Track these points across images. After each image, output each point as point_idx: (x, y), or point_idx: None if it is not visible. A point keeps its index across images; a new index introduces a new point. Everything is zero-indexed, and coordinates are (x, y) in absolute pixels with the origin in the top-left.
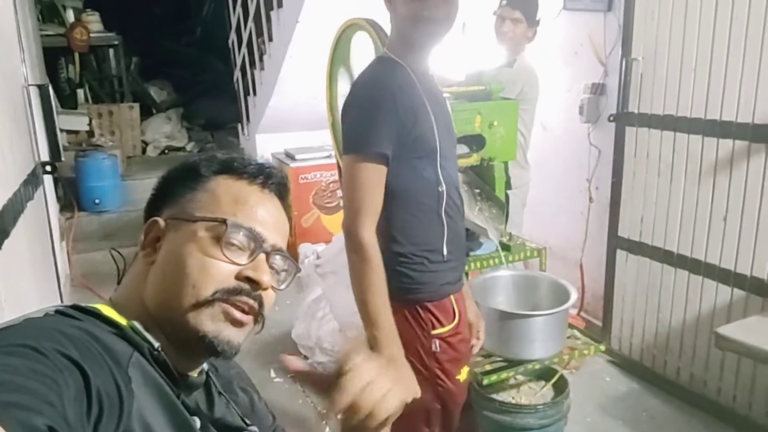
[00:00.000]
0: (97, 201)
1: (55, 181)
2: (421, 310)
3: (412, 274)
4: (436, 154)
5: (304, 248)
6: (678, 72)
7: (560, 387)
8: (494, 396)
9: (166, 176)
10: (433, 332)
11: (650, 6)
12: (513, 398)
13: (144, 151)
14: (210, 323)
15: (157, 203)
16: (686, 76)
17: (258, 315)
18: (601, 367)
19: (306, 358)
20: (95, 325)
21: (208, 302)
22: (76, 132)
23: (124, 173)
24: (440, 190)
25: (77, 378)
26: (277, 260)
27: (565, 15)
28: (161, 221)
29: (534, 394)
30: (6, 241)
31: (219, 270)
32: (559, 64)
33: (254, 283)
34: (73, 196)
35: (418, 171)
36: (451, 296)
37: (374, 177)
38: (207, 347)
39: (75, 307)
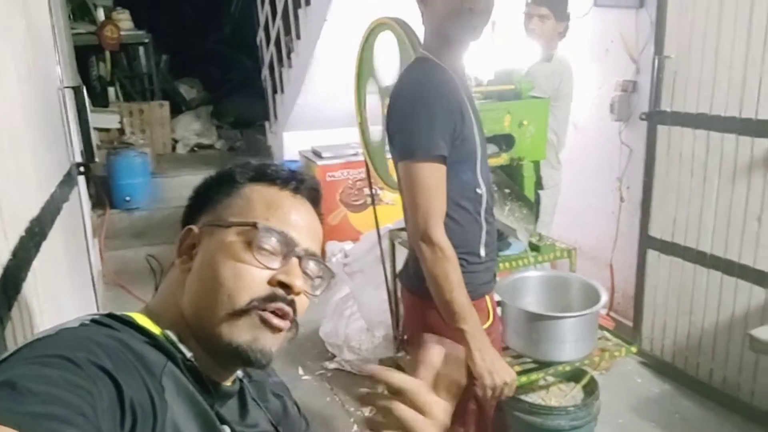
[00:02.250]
0: (128, 198)
1: (87, 179)
2: None
3: None
4: (476, 156)
5: (332, 246)
6: (712, 69)
7: (590, 388)
8: (524, 397)
9: (202, 185)
10: None
11: (684, 2)
12: (543, 400)
13: (174, 148)
14: (247, 332)
15: (193, 212)
16: (721, 74)
17: (292, 320)
18: (632, 368)
19: (333, 356)
20: (130, 334)
21: (243, 312)
22: (108, 130)
23: (154, 171)
24: (479, 192)
25: (110, 389)
26: (311, 265)
27: (596, 12)
28: (196, 229)
29: (564, 395)
30: (44, 243)
31: (252, 276)
32: (589, 61)
33: (287, 288)
34: (104, 194)
35: (459, 174)
36: (486, 296)
37: (437, 178)
38: (240, 356)
39: (111, 315)
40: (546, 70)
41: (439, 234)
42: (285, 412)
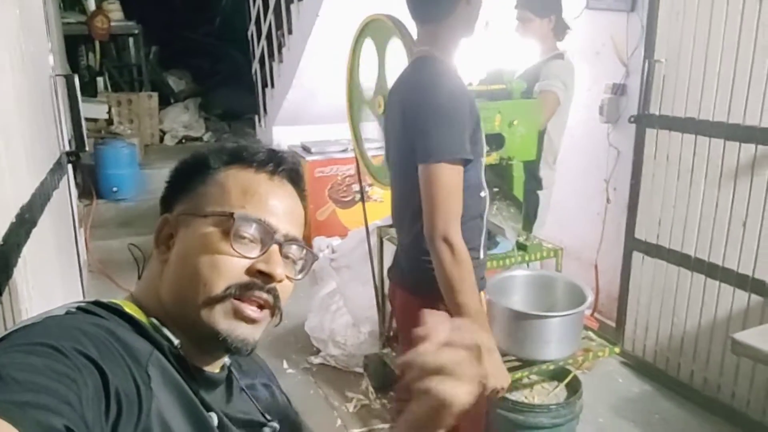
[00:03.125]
0: (115, 189)
1: (75, 169)
2: None
3: None
4: (482, 157)
5: (319, 241)
6: (701, 75)
7: (573, 387)
8: (507, 395)
9: (177, 169)
10: None
11: (675, 7)
12: (526, 398)
13: (162, 140)
14: (223, 321)
15: (170, 197)
16: (709, 79)
17: (274, 308)
18: (614, 368)
19: (318, 351)
20: (116, 322)
21: (219, 299)
22: (96, 120)
23: (142, 162)
24: (482, 195)
25: (96, 378)
26: (293, 249)
27: (588, 14)
28: (172, 218)
29: (547, 393)
30: (34, 230)
31: (230, 266)
32: (580, 63)
33: (267, 277)
34: (91, 184)
35: (468, 175)
36: (482, 292)
37: (459, 181)
38: (221, 345)
39: (97, 303)
40: (560, 67)
41: (458, 237)
42: (274, 401)
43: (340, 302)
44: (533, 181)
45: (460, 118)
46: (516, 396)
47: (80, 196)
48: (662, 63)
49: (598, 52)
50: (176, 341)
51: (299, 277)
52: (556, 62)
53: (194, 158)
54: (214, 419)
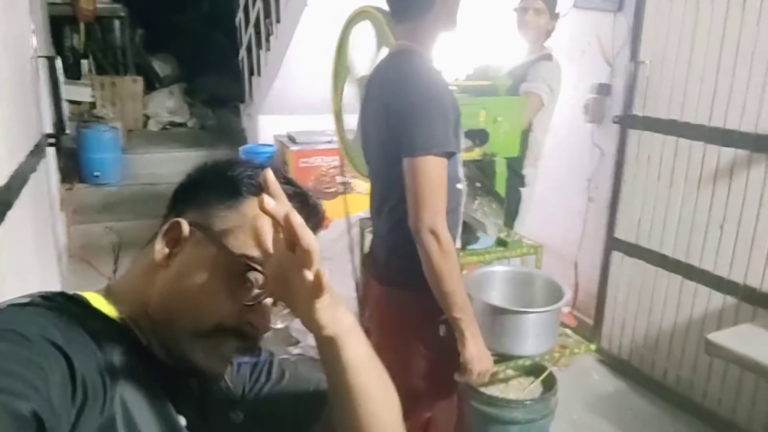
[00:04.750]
0: (97, 173)
1: (58, 151)
2: (431, 295)
3: None
4: (459, 150)
5: None
6: (685, 78)
7: (549, 384)
8: (482, 389)
9: (200, 172)
10: (441, 317)
11: (661, 10)
12: (501, 392)
13: (145, 125)
14: (202, 356)
15: (185, 197)
16: (693, 83)
17: (253, 348)
18: (590, 364)
19: (298, 341)
20: (80, 314)
21: (206, 334)
22: (79, 103)
23: (125, 147)
24: (459, 187)
25: (62, 364)
26: None
27: (575, 13)
28: (186, 226)
29: (522, 389)
30: (9, 213)
31: (224, 305)
32: (565, 61)
33: (255, 328)
34: (73, 168)
35: (448, 168)
36: None
37: (444, 174)
38: (192, 372)
39: (62, 294)
40: (548, 71)
41: (445, 229)
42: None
43: None
44: (516, 178)
45: (445, 112)
46: (491, 390)
47: (62, 180)
48: (647, 64)
49: (584, 51)
50: (144, 342)
51: (279, 326)
52: (545, 64)
53: (225, 175)
54: (183, 421)
